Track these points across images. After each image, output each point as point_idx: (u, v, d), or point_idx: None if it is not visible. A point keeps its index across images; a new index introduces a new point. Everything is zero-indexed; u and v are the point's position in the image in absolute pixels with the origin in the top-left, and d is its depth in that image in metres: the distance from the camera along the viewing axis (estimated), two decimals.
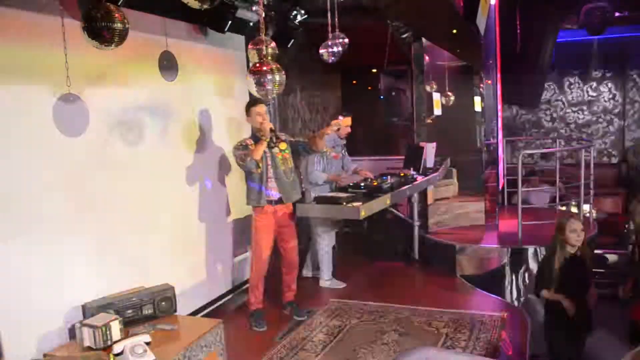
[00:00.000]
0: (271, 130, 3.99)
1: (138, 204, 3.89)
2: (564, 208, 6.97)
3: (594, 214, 6.29)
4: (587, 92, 9.85)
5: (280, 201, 4.19)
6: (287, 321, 4.33)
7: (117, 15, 2.79)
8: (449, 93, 6.72)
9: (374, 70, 7.36)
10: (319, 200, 4.21)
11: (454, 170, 6.75)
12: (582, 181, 5.75)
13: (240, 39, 5.11)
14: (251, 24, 4.97)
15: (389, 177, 4.72)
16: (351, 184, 4.60)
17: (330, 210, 4.14)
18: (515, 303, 5.09)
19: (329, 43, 4.43)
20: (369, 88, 8.11)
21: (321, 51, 4.54)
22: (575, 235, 3.50)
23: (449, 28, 4.95)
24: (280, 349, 3.84)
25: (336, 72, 7.88)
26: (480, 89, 7.00)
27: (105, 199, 3.59)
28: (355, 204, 3.96)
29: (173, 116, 4.28)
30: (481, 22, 5.14)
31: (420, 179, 5.00)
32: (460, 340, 3.86)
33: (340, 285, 5.15)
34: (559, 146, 7.84)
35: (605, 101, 9.78)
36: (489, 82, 7.20)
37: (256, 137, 4.12)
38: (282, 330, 4.16)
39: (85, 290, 3.37)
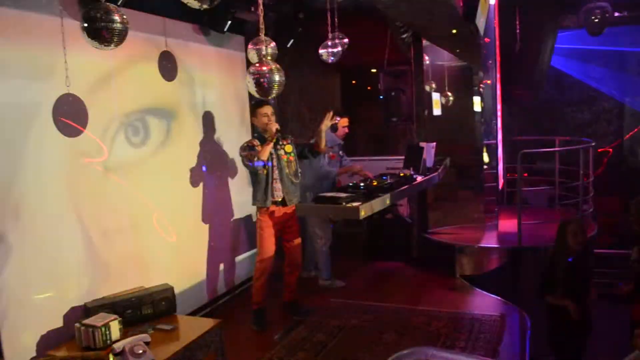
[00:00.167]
0: (277, 130, 4.02)
1: (138, 204, 3.89)
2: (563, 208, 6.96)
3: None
4: (587, 92, 9.85)
5: (284, 202, 4.21)
6: (287, 321, 4.33)
7: (116, 15, 2.79)
8: (449, 93, 6.72)
9: (374, 70, 7.35)
10: (319, 200, 4.20)
11: (454, 170, 6.74)
12: (582, 181, 5.75)
13: (240, 39, 5.12)
14: (251, 24, 4.97)
15: (388, 177, 4.72)
16: (351, 184, 4.60)
17: (330, 210, 4.14)
18: (515, 303, 5.09)
19: (329, 43, 4.44)
20: (369, 88, 8.10)
21: (321, 51, 4.54)
22: (577, 238, 3.50)
23: (449, 28, 4.95)
24: (280, 349, 3.84)
25: (336, 72, 7.88)
26: (480, 89, 6.99)
27: (105, 199, 3.59)
28: (355, 204, 3.96)
29: (173, 116, 4.28)
30: (481, 22, 5.13)
31: (420, 179, 5.00)
32: (459, 340, 3.86)
33: (340, 285, 5.15)
34: (559, 146, 7.83)
35: (605, 101, 9.78)
36: (489, 82, 7.20)
37: (261, 138, 4.13)
38: (281, 330, 4.17)
39: (85, 290, 3.38)
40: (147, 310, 3.32)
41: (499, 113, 7.24)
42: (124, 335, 2.96)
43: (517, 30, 7.86)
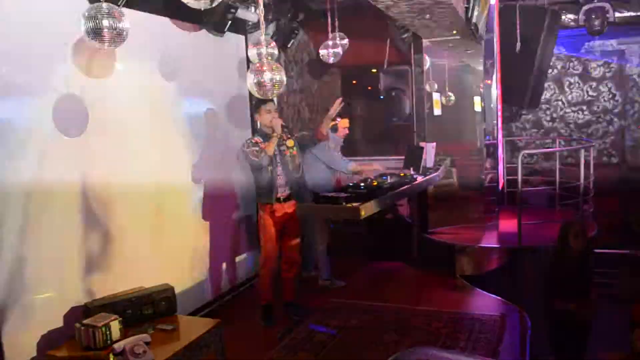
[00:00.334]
0: (282, 126, 4.09)
1: (138, 204, 3.89)
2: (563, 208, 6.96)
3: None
4: (587, 92, 9.85)
5: (287, 199, 4.24)
6: (287, 321, 4.33)
7: (117, 15, 2.79)
8: (450, 93, 6.72)
9: (374, 70, 7.35)
10: (319, 200, 4.21)
11: (454, 170, 6.74)
12: (582, 181, 5.75)
13: (240, 39, 5.11)
14: (251, 23, 4.97)
15: (389, 177, 4.73)
16: (351, 184, 4.60)
17: (330, 210, 4.15)
18: (515, 303, 5.09)
19: (329, 43, 4.44)
20: (369, 88, 8.10)
21: (321, 51, 4.54)
22: (579, 240, 3.50)
23: (449, 28, 4.95)
24: (280, 349, 3.84)
25: (336, 72, 7.88)
26: (480, 89, 6.99)
27: (105, 199, 3.59)
28: (355, 204, 3.96)
29: (173, 116, 4.28)
30: (481, 21, 5.14)
31: (420, 179, 5.00)
32: (459, 340, 3.86)
33: (340, 285, 5.15)
34: (559, 146, 7.84)
35: (605, 101, 9.78)
36: (489, 82, 7.20)
37: (263, 135, 4.14)
38: (282, 330, 4.17)
39: (86, 290, 3.38)
40: (147, 310, 3.32)
41: (499, 113, 7.24)
42: (124, 335, 2.95)
43: (517, 30, 7.86)
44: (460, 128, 7.11)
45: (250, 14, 4.89)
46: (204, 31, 4.64)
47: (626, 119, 9.85)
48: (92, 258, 3.47)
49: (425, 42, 5.96)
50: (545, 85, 9.77)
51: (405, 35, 5.89)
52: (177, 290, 3.55)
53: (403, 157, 5.73)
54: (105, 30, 2.74)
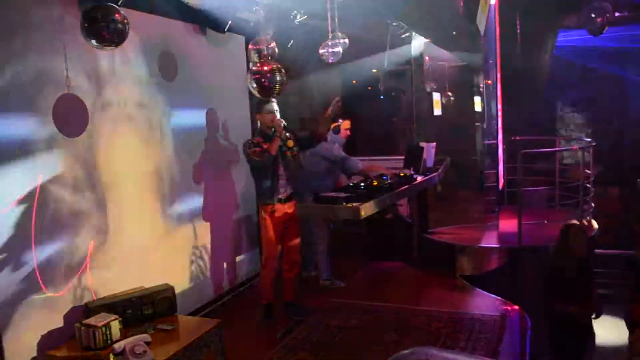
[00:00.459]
0: (284, 126, 4.10)
1: (138, 204, 3.89)
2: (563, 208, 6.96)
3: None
4: (587, 91, 9.85)
5: (288, 199, 4.25)
6: (287, 321, 4.33)
7: (117, 15, 2.79)
8: (449, 93, 6.73)
9: (374, 70, 7.35)
10: (319, 200, 4.20)
11: (454, 170, 6.74)
12: (582, 181, 5.75)
13: (240, 39, 5.11)
14: (251, 23, 4.97)
15: (388, 177, 4.72)
16: (351, 184, 4.60)
17: (330, 210, 4.14)
18: (515, 303, 5.09)
19: (329, 43, 4.43)
20: (369, 88, 8.10)
21: (321, 51, 4.53)
22: (580, 242, 3.50)
23: (449, 28, 4.96)
24: (280, 349, 3.84)
25: (336, 72, 7.88)
26: (480, 89, 6.99)
27: (105, 198, 3.59)
28: (355, 204, 3.95)
29: (173, 116, 4.27)
30: (481, 21, 5.14)
31: (420, 179, 5.00)
32: (459, 340, 3.86)
33: (340, 285, 5.15)
34: (559, 146, 7.84)
35: (604, 101, 9.78)
36: (489, 82, 7.20)
37: (264, 135, 4.14)
38: (282, 330, 4.17)
39: (86, 290, 3.38)
40: (147, 310, 3.32)
41: (499, 113, 7.24)
42: (124, 335, 2.95)
43: (517, 30, 7.86)
44: (460, 128, 7.12)
45: (250, 14, 4.88)
46: (204, 31, 4.64)
47: (626, 119, 9.83)
48: (92, 258, 3.47)
49: (426, 41, 5.97)
50: (545, 85, 9.77)
51: (405, 35, 5.90)
52: (177, 290, 3.55)
53: (403, 157, 5.73)
54: (105, 30, 2.74)
